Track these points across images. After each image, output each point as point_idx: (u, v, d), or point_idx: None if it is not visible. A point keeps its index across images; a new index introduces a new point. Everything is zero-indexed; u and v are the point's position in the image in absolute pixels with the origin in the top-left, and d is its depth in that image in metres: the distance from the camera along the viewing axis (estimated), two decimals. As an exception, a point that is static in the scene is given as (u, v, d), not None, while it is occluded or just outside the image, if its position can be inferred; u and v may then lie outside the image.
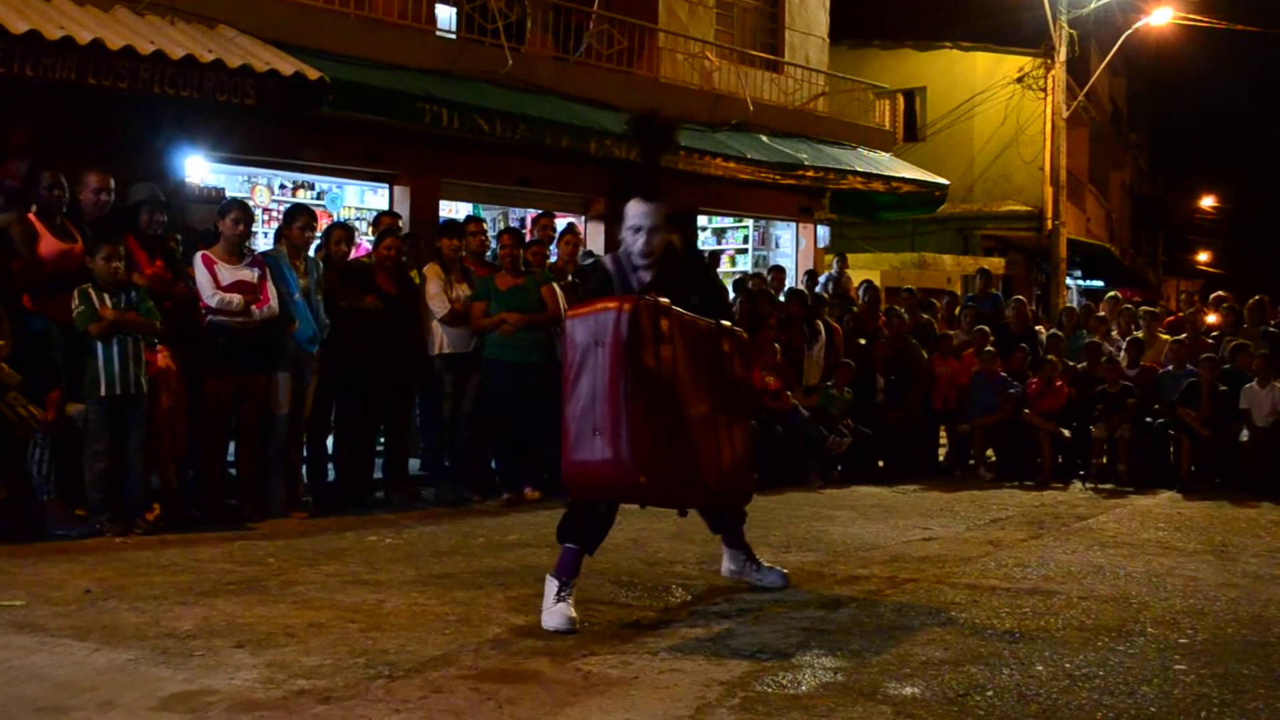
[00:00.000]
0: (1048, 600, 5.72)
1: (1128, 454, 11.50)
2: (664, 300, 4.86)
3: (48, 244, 7.43)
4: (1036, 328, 13.61)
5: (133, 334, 7.26)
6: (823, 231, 19.57)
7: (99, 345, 7.16)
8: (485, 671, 4.25)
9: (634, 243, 5.15)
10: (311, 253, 8.62)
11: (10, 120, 9.24)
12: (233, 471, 8.25)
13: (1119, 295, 16.35)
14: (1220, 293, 14.79)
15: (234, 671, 4.18)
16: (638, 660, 4.42)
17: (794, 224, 19.34)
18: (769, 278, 13.77)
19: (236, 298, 7.71)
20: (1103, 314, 13.90)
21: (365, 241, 11.48)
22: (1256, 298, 12.97)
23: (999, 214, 26.38)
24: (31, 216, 7.46)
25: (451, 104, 12.08)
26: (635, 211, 5.13)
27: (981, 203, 26.33)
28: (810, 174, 16.98)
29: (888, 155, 19.59)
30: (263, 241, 11.00)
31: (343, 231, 9.13)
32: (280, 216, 9.78)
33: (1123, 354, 12.36)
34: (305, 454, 8.71)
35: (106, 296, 7.22)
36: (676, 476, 4.86)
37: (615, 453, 4.56)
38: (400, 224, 10.22)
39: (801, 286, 13.97)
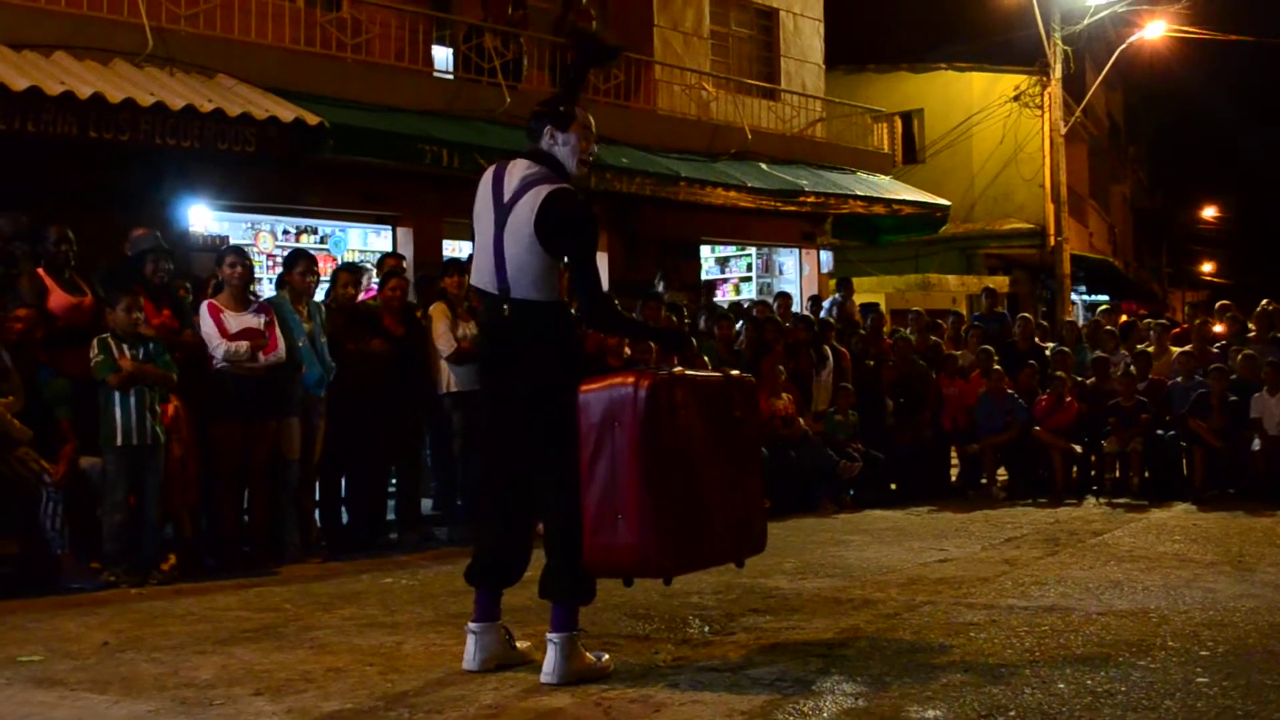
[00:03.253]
0: (1066, 617, 5.70)
1: (1140, 467, 11.48)
2: (677, 370, 4.81)
3: (57, 298, 7.47)
4: (1054, 345, 13.58)
5: (149, 385, 7.28)
6: (826, 256, 19.63)
7: (116, 396, 7.16)
8: (506, 710, 4.23)
9: (578, 147, 4.88)
10: (319, 296, 8.65)
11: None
12: (245, 518, 8.25)
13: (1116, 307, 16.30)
14: (1224, 302, 14.76)
15: (254, 719, 4.17)
16: (659, 693, 4.40)
17: (797, 250, 19.42)
18: (774, 304, 13.78)
19: (243, 345, 7.70)
20: (1110, 328, 13.86)
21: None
22: (1265, 304, 12.91)
23: (1001, 232, 26.41)
24: (40, 271, 7.50)
25: (451, 144, 12.15)
26: (586, 118, 4.97)
27: (983, 222, 26.38)
28: (811, 200, 17.04)
29: (888, 178, 19.66)
30: (267, 288, 11.04)
31: (349, 275, 9.14)
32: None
33: (1131, 367, 12.34)
34: (318, 498, 8.73)
35: (125, 347, 7.25)
36: (697, 549, 4.81)
37: (638, 538, 4.49)
38: (404, 265, 10.25)
39: (807, 312, 13.98)
